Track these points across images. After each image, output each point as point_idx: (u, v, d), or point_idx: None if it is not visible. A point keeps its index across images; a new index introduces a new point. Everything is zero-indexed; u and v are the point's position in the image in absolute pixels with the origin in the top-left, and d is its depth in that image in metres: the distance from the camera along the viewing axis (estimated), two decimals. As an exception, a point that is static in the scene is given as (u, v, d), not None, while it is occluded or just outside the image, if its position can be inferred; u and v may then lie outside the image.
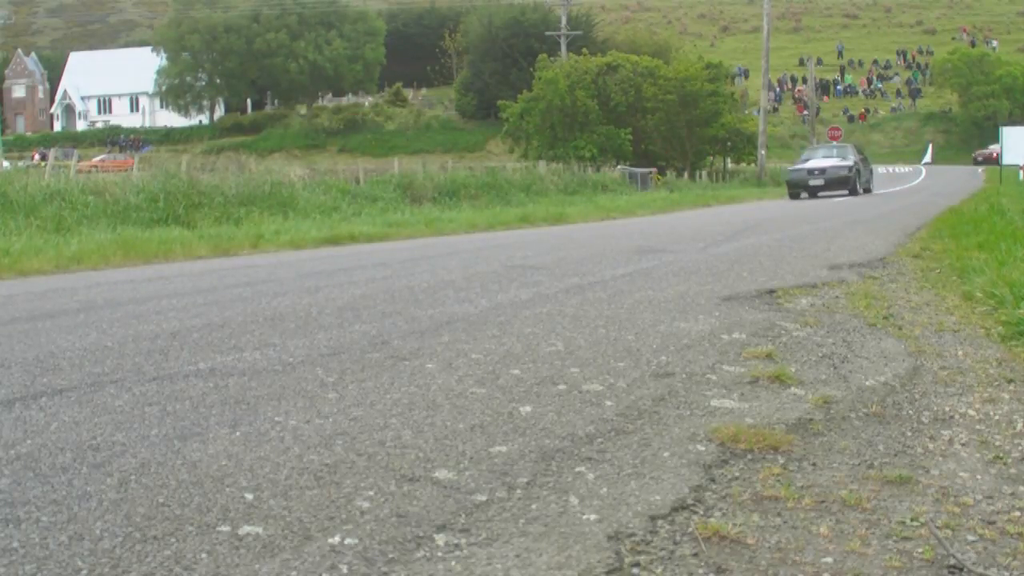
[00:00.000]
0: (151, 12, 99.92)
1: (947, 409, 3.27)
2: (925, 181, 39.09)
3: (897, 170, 50.26)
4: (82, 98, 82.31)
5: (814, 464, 2.67)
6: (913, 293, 6.08)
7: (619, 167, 35.21)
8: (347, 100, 74.88)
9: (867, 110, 71.74)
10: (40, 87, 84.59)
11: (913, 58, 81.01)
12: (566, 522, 2.19)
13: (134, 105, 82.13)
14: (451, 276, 7.07)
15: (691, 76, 40.59)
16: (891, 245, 9.39)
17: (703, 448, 2.77)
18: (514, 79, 54.89)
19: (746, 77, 73.28)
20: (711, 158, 45.08)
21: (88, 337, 4.50)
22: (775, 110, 65.99)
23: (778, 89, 73.37)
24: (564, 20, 50.33)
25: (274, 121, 71.78)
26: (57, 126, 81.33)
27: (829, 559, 2.03)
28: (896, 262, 7.88)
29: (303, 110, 73.04)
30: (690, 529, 2.18)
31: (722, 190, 34.32)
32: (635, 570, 1.97)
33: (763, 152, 40.51)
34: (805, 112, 60.37)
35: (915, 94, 73.26)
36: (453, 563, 1.97)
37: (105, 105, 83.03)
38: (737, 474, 2.57)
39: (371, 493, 2.35)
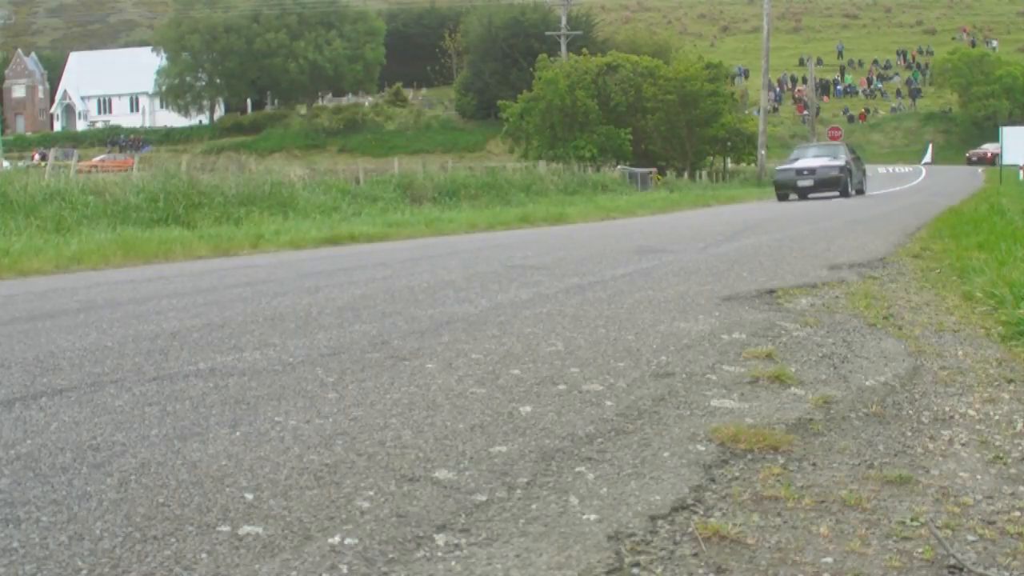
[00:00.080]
0: (151, 12, 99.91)
1: (947, 409, 3.27)
2: (925, 181, 39.09)
3: (897, 170, 50.28)
4: (82, 98, 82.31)
5: (814, 464, 2.67)
6: (913, 293, 6.08)
7: (619, 167, 35.22)
8: (347, 100, 74.90)
9: (867, 110, 71.75)
10: (40, 87, 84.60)
11: (913, 58, 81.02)
12: (566, 522, 2.19)
13: (134, 105, 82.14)
14: (451, 276, 7.07)
15: (691, 76, 40.61)
16: (891, 245, 9.39)
17: (703, 448, 2.77)
18: (514, 79, 54.90)
19: (746, 77, 73.29)
20: (711, 158, 45.10)
21: (88, 337, 4.50)
22: (775, 110, 66.00)
23: (778, 89, 73.37)
24: (564, 20, 50.35)
25: (274, 121, 71.79)
26: (57, 126, 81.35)
27: (829, 559, 2.03)
28: (896, 262, 7.88)
29: (303, 110, 73.05)
30: (690, 529, 2.18)
31: (722, 190, 34.33)
32: (635, 570, 1.97)
33: (763, 152, 40.52)
34: (805, 112, 60.38)
35: (915, 94, 73.27)
36: (453, 563, 1.97)
37: (105, 105, 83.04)
38: (737, 474, 2.57)
39: (371, 493, 2.35)
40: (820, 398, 3.35)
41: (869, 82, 76.91)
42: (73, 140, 68.64)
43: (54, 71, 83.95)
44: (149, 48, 75.78)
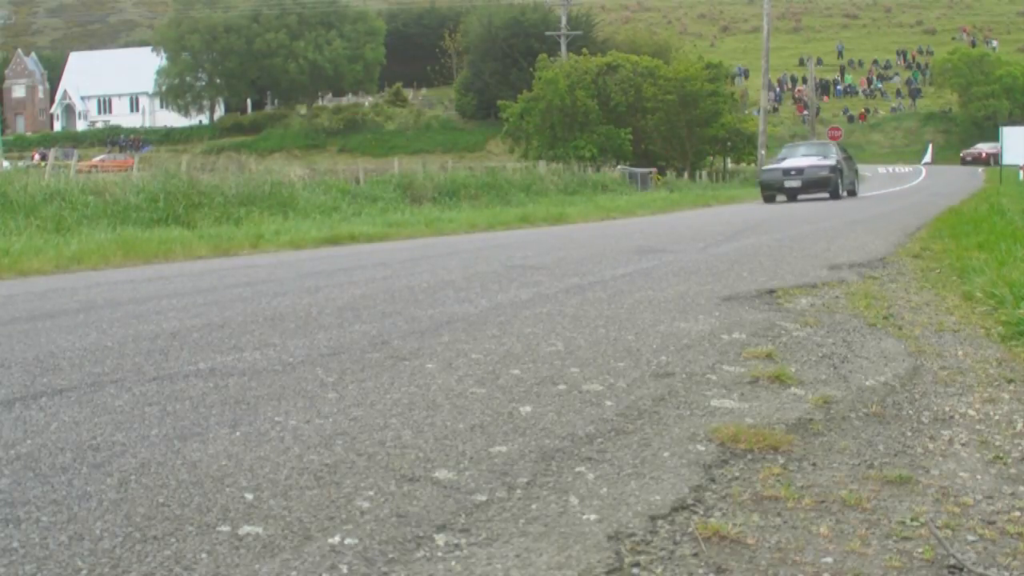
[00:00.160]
0: (151, 12, 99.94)
1: (947, 409, 3.27)
2: (925, 181, 39.09)
3: (897, 170, 50.30)
4: (82, 98, 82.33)
5: (814, 464, 2.67)
6: (913, 293, 6.08)
7: (619, 167, 35.23)
8: (347, 100, 74.91)
9: (867, 110, 71.76)
10: (40, 87, 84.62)
11: (913, 58, 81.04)
12: (566, 522, 2.19)
13: (134, 105, 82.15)
14: (451, 276, 7.07)
15: (691, 76, 40.63)
16: (891, 245, 9.39)
17: (703, 448, 2.77)
18: (514, 79, 54.92)
19: (746, 77, 73.30)
20: (711, 158, 45.12)
21: (88, 337, 4.50)
22: (775, 110, 66.00)
23: (778, 89, 73.38)
24: (564, 20, 50.38)
25: (274, 121, 71.80)
26: (57, 126, 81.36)
27: (829, 559, 2.03)
28: (896, 262, 7.88)
29: (303, 110, 73.06)
30: (690, 529, 2.18)
31: (722, 190, 34.33)
32: (635, 570, 1.97)
33: (763, 152, 40.47)
34: (805, 112, 60.38)
35: (915, 94, 73.28)
36: (453, 563, 1.97)
37: (105, 105, 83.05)
38: (737, 474, 2.57)
39: (371, 493, 2.35)
40: (820, 398, 3.35)
41: (869, 82, 76.92)
42: (73, 140, 68.67)
43: (54, 71, 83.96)
44: (149, 48, 75.81)
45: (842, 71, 78.58)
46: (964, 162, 55.94)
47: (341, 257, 9.63)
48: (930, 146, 62.77)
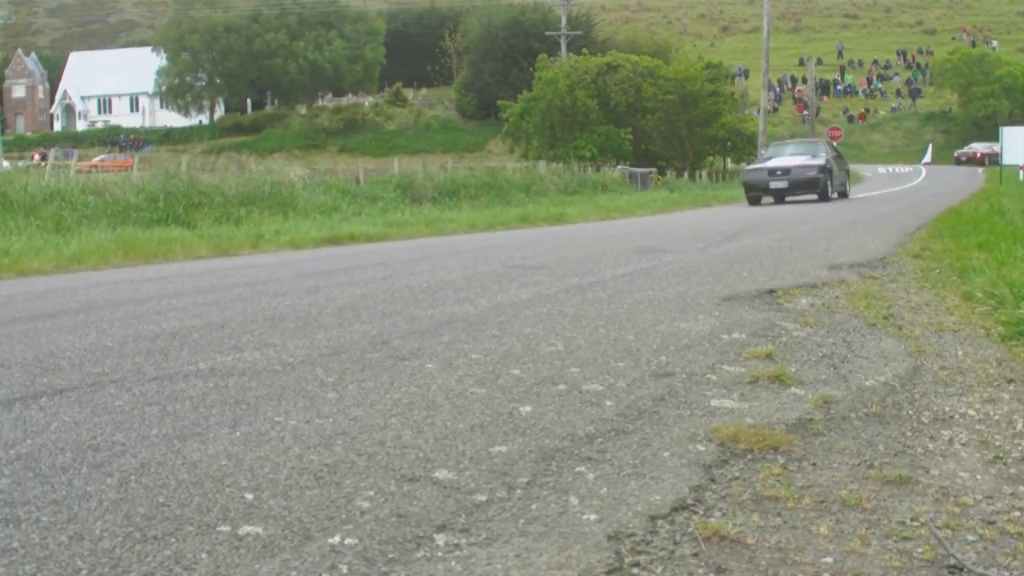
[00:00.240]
0: (151, 12, 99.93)
1: (947, 409, 3.27)
2: (925, 181, 39.10)
3: (897, 170, 50.30)
4: (82, 98, 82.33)
5: (814, 464, 2.67)
6: (913, 293, 6.08)
7: (619, 167, 35.23)
8: (347, 100, 74.91)
9: (867, 110, 71.76)
10: (40, 87, 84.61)
11: (913, 58, 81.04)
12: (566, 522, 2.19)
13: (134, 105, 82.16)
14: (451, 276, 7.07)
15: (691, 76, 40.63)
16: (891, 245, 9.39)
17: (703, 448, 2.77)
18: (514, 79, 54.92)
19: (746, 77, 73.31)
20: (711, 158, 45.13)
21: (88, 337, 4.50)
22: (775, 110, 65.99)
23: (778, 89, 73.38)
24: (564, 20, 50.38)
25: (274, 121, 71.80)
26: (57, 126, 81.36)
27: (829, 559, 2.03)
28: (896, 262, 7.87)
29: (303, 110, 73.06)
30: (690, 529, 2.18)
31: (722, 190, 34.34)
32: (635, 570, 1.97)
33: (763, 152, 40.47)
34: (805, 112, 60.39)
35: (915, 94, 73.28)
36: (453, 563, 1.97)
37: (105, 105, 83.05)
38: (737, 474, 2.57)
39: (371, 493, 2.35)
40: (820, 398, 3.35)
41: (869, 82, 76.92)
42: (73, 140, 68.67)
43: (54, 71, 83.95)
44: (149, 48, 75.80)
45: (842, 71, 78.58)
46: (959, 162, 55.92)
47: (341, 257, 9.63)
48: (930, 146, 62.77)
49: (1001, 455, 2.76)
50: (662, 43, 64.91)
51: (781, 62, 75.19)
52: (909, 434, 2.98)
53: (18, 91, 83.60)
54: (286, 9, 72.21)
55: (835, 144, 30.49)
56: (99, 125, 79.28)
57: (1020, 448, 2.83)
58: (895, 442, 2.89)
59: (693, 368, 3.79)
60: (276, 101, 77.34)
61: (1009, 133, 33.22)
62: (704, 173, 43.13)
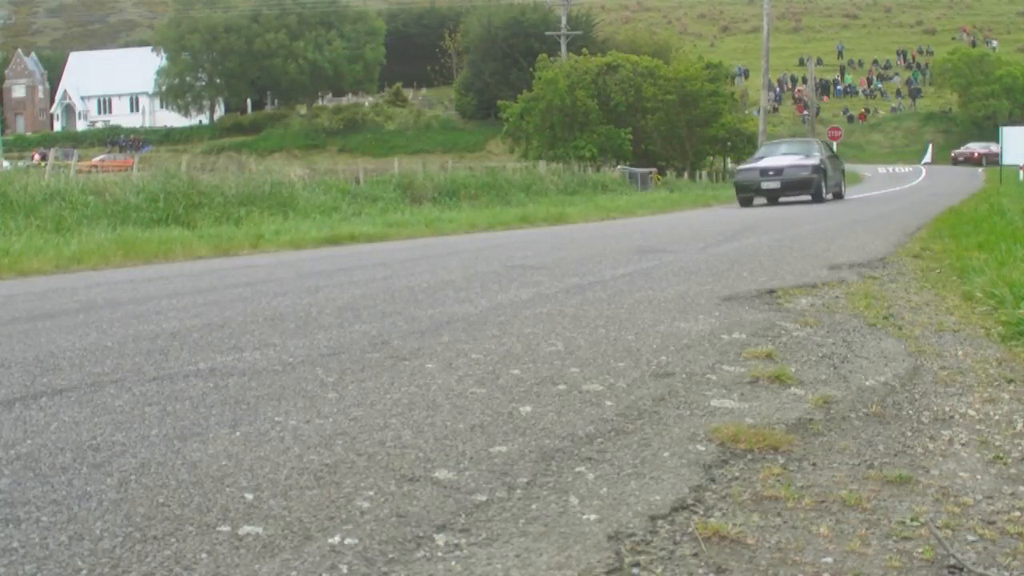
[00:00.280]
0: (151, 12, 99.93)
1: (947, 409, 3.27)
2: (925, 181, 39.09)
3: (897, 170, 50.30)
4: (82, 98, 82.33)
5: (814, 464, 2.67)
6: (913, 293, 6.08)
7: (619, 167, 35.24)
8: (347, 100, 74.92)
9: (867, 110, 71.76)
10: (40, 87, 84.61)
11: (913, 58, 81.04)
12: (566, 522, 2.19)
13: (134, 105, 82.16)
14: (451, 276, 7.07)
15: (691, 76, 40.63)
16: (891, 245, 9.39)
17: (703, 448, 2.77)
18: (514, 79, 54.91)
19: (746, 77, 73.31)
20: (711, 158, 45.11)
21: (88, 337, 4.50)
22: (775, 110, 66.00)
23: (778, 89, 73.38)
24: (564, 20, 50.38)
25: (274, 121, 71.81)
26: (57, 126, 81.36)
27: (829, 559, 2.03)
28: (896, 262, 7.88)
29: (303, 110, 73.07)
30: (690, 529, 2.18)
31: (722, 190, 34.29)
32: (635, 570, 1.97)
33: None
34: (805, 112, 60.39)
35: (915, 94, 73.29)
36: (453, 563, 1.97)
37: (105, 105, 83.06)
38: (737, 474, 2.57)
39: (371, 493, 2.35)
40: (820, 398, 3.35)
41: (869, 82, 76.92)
42: (73, 140, 68.67)
43: (54, 71, 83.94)
44: (149, 48, 75.81)
45: (842, 71, 78.58)
46: (955, 162, 55.90)
47: (341, 257, 9.63)
48: (930, 146, 62.77)
49: (1001, 455, 2.76)
50: (662, 43, 64.91)
51: (781, 62, 75.20)
52: (909, 434, 2.98)
53: (18, 91, 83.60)
54: (286, 9, 72.22)
55: (833, 144, 30.25)
56: (99, 125, 79.28)
57: (1020, 448, 2.83)
58: (895, 442, 2.89)
59: (693, 368, 3.79)
60: (276, 101, 77.35)
61: (1009, 133, 33.23)
62: (704, 173, 43.14)
